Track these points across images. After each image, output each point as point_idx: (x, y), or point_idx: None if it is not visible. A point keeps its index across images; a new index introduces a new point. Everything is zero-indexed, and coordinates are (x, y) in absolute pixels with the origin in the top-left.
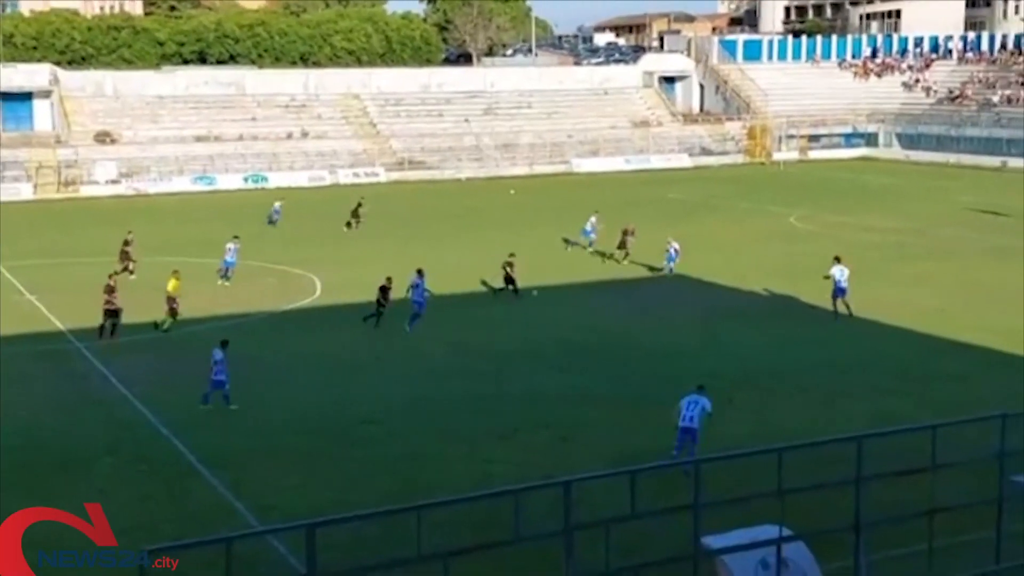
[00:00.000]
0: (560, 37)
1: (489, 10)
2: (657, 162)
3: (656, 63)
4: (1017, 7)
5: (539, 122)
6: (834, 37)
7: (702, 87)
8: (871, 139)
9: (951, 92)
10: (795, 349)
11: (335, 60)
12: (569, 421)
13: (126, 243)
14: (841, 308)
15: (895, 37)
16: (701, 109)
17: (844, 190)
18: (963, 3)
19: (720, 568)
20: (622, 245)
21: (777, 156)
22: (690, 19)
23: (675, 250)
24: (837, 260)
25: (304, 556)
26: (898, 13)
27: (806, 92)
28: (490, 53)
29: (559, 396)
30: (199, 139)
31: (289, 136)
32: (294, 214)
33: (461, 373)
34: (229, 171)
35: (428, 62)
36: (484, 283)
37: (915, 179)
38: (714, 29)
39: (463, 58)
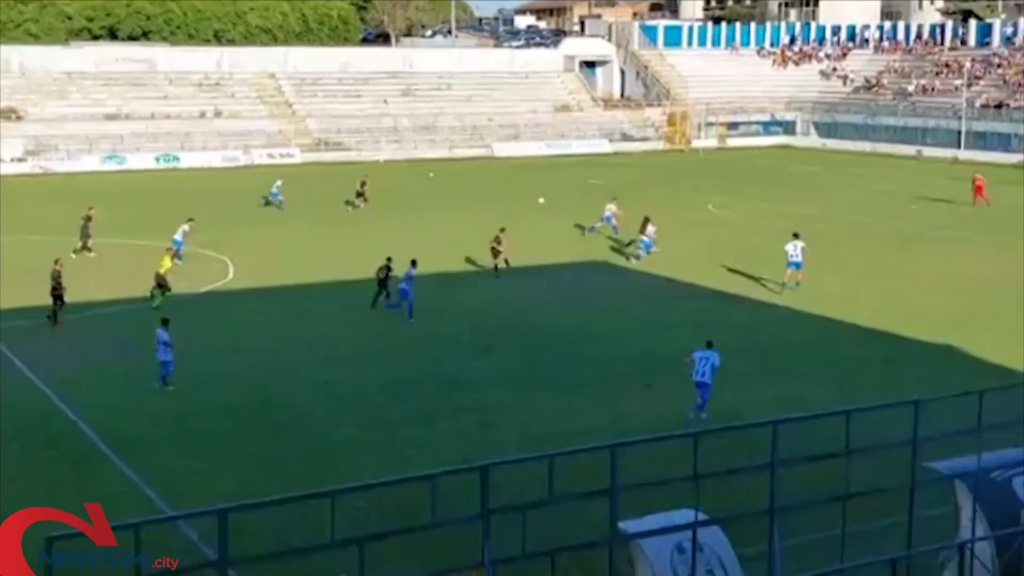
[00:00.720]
0: (480, 19)
1: None
2: (578, 147)
3: (577, 47)
4: None
5: (459, 105)
6: (753, 25)
7: (623, 72)
8: (789, 127)
9: (868, 81)
10: (713, 334)
11: (250, 38)
12: (489, 405)
13: (88, 219)
14: (790, 280)
15: (813, 26)
16: (622, 94)
17: (762, 177)
18: None
19: (636, 552)
20: (643, 231)
21: (696, 143)
22: (611, 3)
23: (650, 236)
24: (795, 236)
25: (216, 543)
26: (816, 1)
27: (725, 79)
28: (409, 34)
29: (480, 380)
30: (109, 117)
31: (202, 115)
32: (206, 195)
33: (380, 358)
34: (140, 150)
35: (346, 41)
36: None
37: (832, 167)
38: (635, 14)
39: (381, 38)
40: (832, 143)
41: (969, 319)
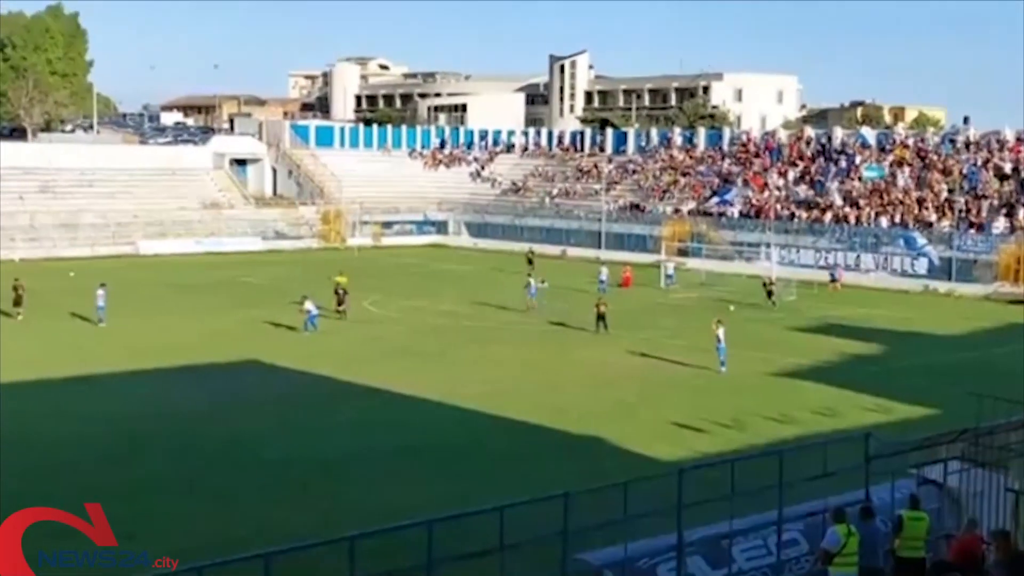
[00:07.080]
0: (124, 115)
1: (46, 84)
2: (229, 245)
3: (227, 145)
4: (572, 106)
5: (102, 201)
6: (404, 127)
7: (275, 171)
8: (441, 227)
9: (515, 184)
10: (368, 433)
11: None
12: (134, 516)
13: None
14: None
15: (462, 130)
16: (274, 193)
17: (417, 275)
18: (523, 101)
19: None
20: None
21: (352, 241)
22: (261, 102)
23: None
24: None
25: None
26: (464, 107)
27: (379, 179)
28: (47, 129)
29: (122, 490)
30: None
31: None
32: None
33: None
34: None
35: None
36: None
37: (483, 265)
38: (285, 114)
39: (17, 133)
40: (483, 243)
41: (615, 411)
